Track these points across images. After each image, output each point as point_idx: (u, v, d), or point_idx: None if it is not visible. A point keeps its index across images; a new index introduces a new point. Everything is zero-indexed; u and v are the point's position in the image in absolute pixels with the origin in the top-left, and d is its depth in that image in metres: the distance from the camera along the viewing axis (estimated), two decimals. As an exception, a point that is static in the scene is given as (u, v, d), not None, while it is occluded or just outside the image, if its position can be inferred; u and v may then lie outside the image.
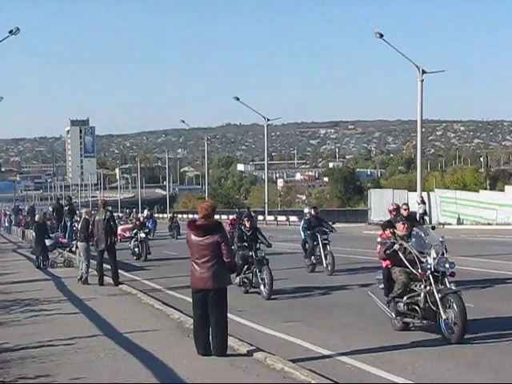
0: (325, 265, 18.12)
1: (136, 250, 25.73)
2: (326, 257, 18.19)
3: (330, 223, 19.97)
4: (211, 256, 8.81)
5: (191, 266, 9.02)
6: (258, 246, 15.28)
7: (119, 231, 37.90)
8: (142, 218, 29.77)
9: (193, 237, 8.99)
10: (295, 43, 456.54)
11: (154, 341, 9.91)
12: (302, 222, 20.11)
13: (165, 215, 73.23)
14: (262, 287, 14.41)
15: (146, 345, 9.64)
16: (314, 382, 7.51)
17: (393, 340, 9.73)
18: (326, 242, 18.56)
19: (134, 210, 62.59)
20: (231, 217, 31.64)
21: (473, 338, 9.49)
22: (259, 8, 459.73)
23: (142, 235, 25.70)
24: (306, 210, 20.67)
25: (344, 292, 15.03)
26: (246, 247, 15.27)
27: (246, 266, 15.10)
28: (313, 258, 18.65)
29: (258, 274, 14.56)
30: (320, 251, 18.40)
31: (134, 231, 26.53)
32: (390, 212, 14.76)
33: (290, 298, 14.47)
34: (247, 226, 15.76)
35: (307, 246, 18.89)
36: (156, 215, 54.21)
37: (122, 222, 43.29)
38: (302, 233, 19.46)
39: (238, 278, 14.81)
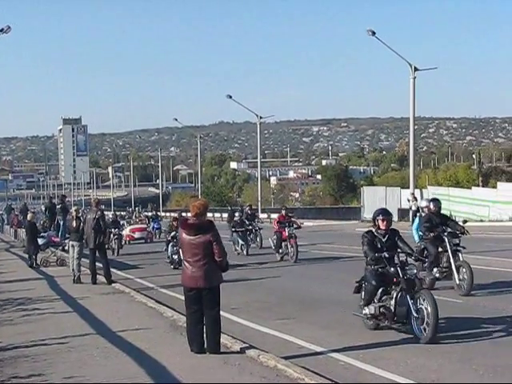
0: (457, 281, 13.06)
1: (175, 256, 20.57)
2: (458, 269, 13.09)
3: (460, 222, 14.65)
4: (203, 255, 8.79)
5: (183, 265, 9.03)
6: (404, 257, 10.16)
7: (127, 232, 37.45)
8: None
9: (184, 235, 8.98)
10: (287, 41, 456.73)
11: (147, 339, 9.91)
12: (417, 219, 15.44)
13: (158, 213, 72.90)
14: (414, 323, 9.40)
15: (139, 343, 9.64)
16: (307, 379, 7.52)
17: (385, 337, 9.74)
18: (458, 248, 13.45)
19: (137, 208, 61.52)
20: (274, 215, 26.18)
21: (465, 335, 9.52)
22: (252, 7, 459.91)
23: None
24: (424, 204, 15.05)
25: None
26: (383, 259, 10.00)
27: (381, 289, 9.99)
28: (436, 270, 13.39)
29: (411, 303, 9.46)
30: (449, 261, 13.30)
31: (172, 234, 21.52)
32: None
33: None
34: (382, 227, 10.35)
35: (426, 253, 13.58)
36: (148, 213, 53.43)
37: (131, 222, 41.90)
38: (416, 235, 14.55)
39: (370, 308, 9.96)
